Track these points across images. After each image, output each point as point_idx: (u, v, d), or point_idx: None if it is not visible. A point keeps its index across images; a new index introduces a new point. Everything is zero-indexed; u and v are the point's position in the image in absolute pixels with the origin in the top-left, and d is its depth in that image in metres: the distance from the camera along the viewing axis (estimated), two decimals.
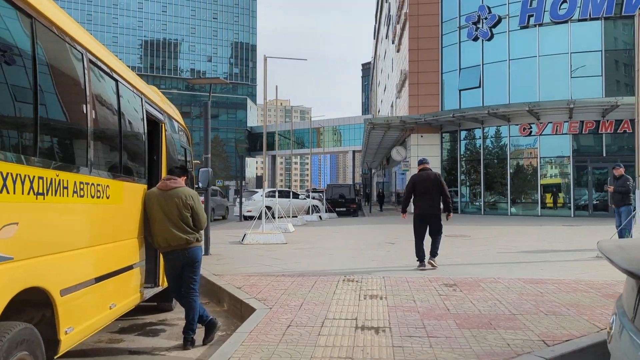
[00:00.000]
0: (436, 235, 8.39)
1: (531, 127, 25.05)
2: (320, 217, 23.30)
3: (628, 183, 11.00)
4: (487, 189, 27.19)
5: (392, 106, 42.65)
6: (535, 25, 24.77)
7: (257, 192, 25.62)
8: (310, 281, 7.16)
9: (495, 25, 25.82)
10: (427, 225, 8.36)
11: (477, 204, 27.39)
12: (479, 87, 26.53)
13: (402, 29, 32.14)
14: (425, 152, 28.38)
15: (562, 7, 24.07)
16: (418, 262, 8.28)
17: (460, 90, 27.43)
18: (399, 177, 40.05)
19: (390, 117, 28.07)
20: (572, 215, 23.86)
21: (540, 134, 24.88)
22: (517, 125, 25.34)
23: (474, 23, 26.39)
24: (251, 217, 18.47)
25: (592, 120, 23.81)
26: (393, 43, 39.47)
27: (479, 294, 6.20)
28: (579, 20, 23.95)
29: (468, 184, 28.16)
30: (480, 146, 27.08)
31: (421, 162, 8.63)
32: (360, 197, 48.47)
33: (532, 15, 24.68)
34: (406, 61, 29.67)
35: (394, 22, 37.85)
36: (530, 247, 11.44)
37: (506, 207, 25.99)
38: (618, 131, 23.67)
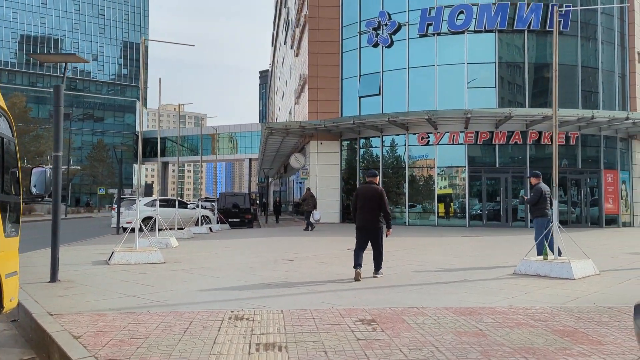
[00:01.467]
0: (376, 248, 8.47)
1: (429, 137, 24.91)
2: (210, 229, 21.13)
3: (542, 193, 10.32)
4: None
5: (290, 113, 41.38)
6: (433, 34, 24.73)
7: (140, 200, 22.86)
8: (185, 321, 5.30)
9: (395, 32, 25.46)
10: (367, 237, 8.43)
11: None
12: (379, 94, 26.00)
13: (302, 32, 31.01)
14: (325, 160, 27.39)
15: (459, 18, 24.24)
16: (354, 269, 8.18)
17: (360, 97, 26.73)
18: (297, 186, 38.81)
19: (289, 122, 26.70)
20: (467, 225, 23.95)
21: (438, 144, 24.81)
22: (416, 134, 25.09)
23: (374, 29, 25.86)
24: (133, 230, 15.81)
25: (486, 130, 24.14)
26: (292, 48, 38.29)
27: (406, 334, 4.74)
28: (475, 32, 24.26)
29: None
30: (379, 155, 26.52)
31: (371, 174, 8.73)
32: (257, 207, 46.58)
33: (430, 24, 24.61)
34: (305, 65, 28.51)
35: (293, 27, 36.71)
36: (442, 263, 10.41)
37: (403, 217, 25.60)
38: (510, 142, 24.21)
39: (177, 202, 19.21)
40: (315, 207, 22.02)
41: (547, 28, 24.13)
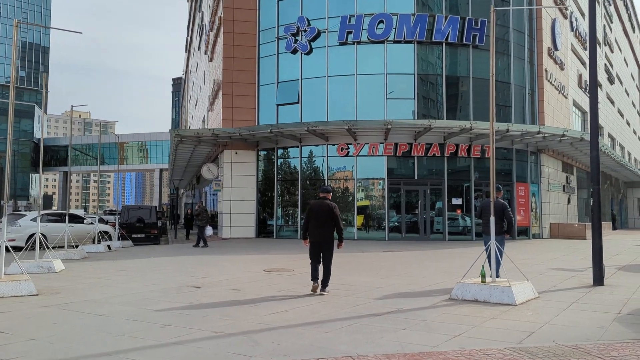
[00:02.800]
0: (326, 262, 8.67)
1: (349, 148, 24.16)
2: (109, 246, 18.81)
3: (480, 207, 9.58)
4: (304, 212, 25.53)
5: (203, 121, 39.29)
6: (354, 43, 24.09)
7: (25, 215, 20.03)
8: None
9: (314, 39, 24.55)
10: (320, 251, 8.64)
11: (293, 227, 25.56)
12: (298, 102, 24.92)
13: (216, 36, 29.32)
14: (240, 171, 25.82)
15: (379, 27, 23.79)
16: (312, 283, 8.52)
17: (278, 105, 25.49)
18: (210, 198, 36.75)
19: (201, 130, 24.83)
20: (387, 238, 23.37)
21: (357, 155, 24.12)
22: (335, 145, 24.24)
23: (293, 35, 24.80)
24: (16, 248, 13.26)
25: (405, 142, 23.79)
26: (206, 53, 36.42)
27: None
28: (395, 42, 23.92)
29: (282, 205, 26.24)
30: (297, 166, 25.38)
31: (325, 190, 8.92)
32: (166, 220, 43.73)
33: (350, 32, 23.96)
34: (220, 70, 26.84)
35: (207, 31, 34.90)
36: (370, 286, 9.33)
37: None
38: (428, 154, 24.02)
39: (67, 217, 16.75)
40: (207, 222, 20.52)
41: (464, 41, 24.33)
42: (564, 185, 32.02)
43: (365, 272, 11.41)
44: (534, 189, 27.52)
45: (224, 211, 25.51)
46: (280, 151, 26.02)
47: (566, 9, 32.84)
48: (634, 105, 64.96)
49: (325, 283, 8.56)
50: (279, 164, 26.05)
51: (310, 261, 8.61)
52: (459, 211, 24.84)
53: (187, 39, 69.61)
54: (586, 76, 39.04)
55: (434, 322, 6.17)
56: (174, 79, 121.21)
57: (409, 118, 23.75)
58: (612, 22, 50.59)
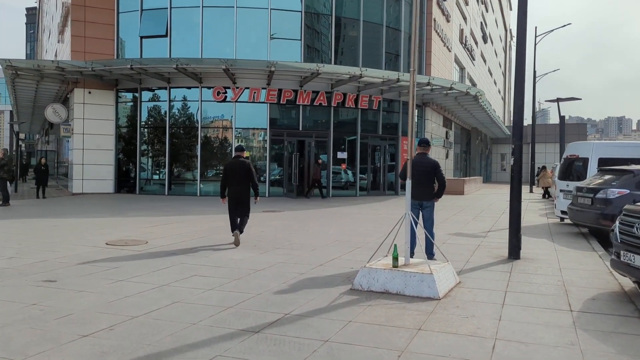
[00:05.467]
0: (243, 216, 9.30)
1: (226, 92, 21.24)
2: None
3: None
4: (174, 164, 22.42)
5: (56, 55, 33.38)
6: None
7: None
8: None
9: None
10: (239, 207, 9.21)
11: (160, 181, 22.37)
12: (166, 36, 21.21)
13: None
14: (95, 114, 21.82)
15: None
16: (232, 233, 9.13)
17: (142, 38, 21.55)
18: (67, 145, 31.64)
19: (41, 61, 20.20)
20: (267, 194, 21.20)
21: (236, 101, 21.33)
22: (211, 88, 21.18)
23: None
24: None
25: (290, 89, 21.45)
26: None
27: None
28: None
29: (148, 156, 22.81)
30: (166, 111, 21.95)
31: (239, 149, 9.41)
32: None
33: None
34: None
35: None
36: (244, 266, 7.07)
37: (195, 186, 21.78)
38: (314, 103, 21.96)
39: None
40: (13, 174, 17.04)
41: None
42: (444, 140, 32.08)
43: (243, 245, 9.13)
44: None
45: (75, 162, 21.49)
46: (145, 93, 22.30)
47: None
48: (500, 66, 68.58)
49: (241, 230, 9.20)
50: (143, 108, 22.37)
51: (229, 215, 9.26)
52: (343, 165, 23.36)
53: None
54: (467, 32, 39.30)
55: (339, 346, 4.07)
56: (27, 9, 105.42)
57: (295, 61, 21.33)
58: None
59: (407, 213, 6.32)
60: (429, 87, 22.79)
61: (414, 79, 6.62)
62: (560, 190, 13.65)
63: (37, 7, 70.40)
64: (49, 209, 15.89)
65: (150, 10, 21.45)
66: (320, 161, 21.84)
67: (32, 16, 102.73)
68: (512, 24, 75.50)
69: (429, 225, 7.60)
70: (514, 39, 76.33)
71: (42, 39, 63.54)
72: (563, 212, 13.04)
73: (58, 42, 28.62)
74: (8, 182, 17.37)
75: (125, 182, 22.51)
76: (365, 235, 10.54)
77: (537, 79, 34.65)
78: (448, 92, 24.20)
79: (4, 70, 20.15)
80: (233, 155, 9.50)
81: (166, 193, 21.69)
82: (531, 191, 29.77)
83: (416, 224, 6.79)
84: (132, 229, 11.16)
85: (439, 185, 7.72)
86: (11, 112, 73.72)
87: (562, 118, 28.24)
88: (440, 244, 8.95)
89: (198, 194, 21.43)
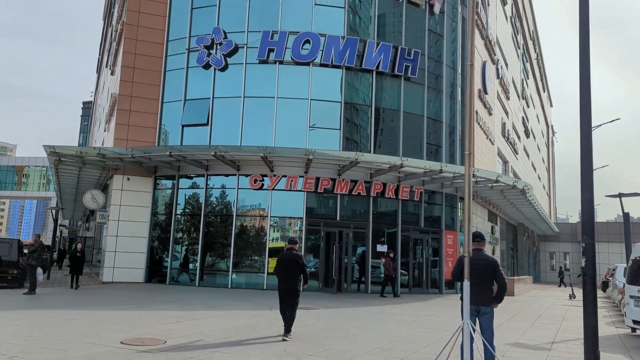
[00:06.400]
0: (291, 309, 9.51)
1: (264, 180, 20.86)
2: None
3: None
4: (208, 253, 21.70)
5: (102, 144, 34.53)
6: (275, 62, 21.15)
7: None
8: None
9: (231, 54, 21.35)
10: (288, 298, 9.49)
11: (193, 272, 21.56)
12: (207, 124, 21.38)
13: (118, 45, 25.42)
14: (132, 201, 21.66)
15: (304, 47, 21.10)
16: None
17: (183, 126, 21.80)
18: (105, 231, 31.61)
19: (85, 148, 20.52)
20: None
21: (273, 189, 20.85)
22: (249, 176, 20.87)
23: (207, 47, 21.48)
24: None
25: (328, 177, 20.91)
26: (107, 66, 32.19)
27: None
28: (321, 65, 21.27)
29: (181, 245, 22.22)
30: (202, 198, 21.62)
31: (292, 242, 10.02)
32: (45, 259, 37.63)
33: (272, 50, 21.05)
34: (118, 81, 22.87)
35: (112, 40, 30.84)
36: None
37: (227, 278, 20.81)
38: (353, 193, 21.25)
39: None
40: (40, 263, 16.52)
41: (396, 72, 22.22)
42: (489, 236, 30.50)
43: (268, 349, 7.97)
44: (462, 238, 25.43)
45: (108, 249, 21.05)
46: (183, 180, 22.18)
47: (494, 54, 32.30)
48: (543, 161, 67.31)
49: (288, 329, 9.39)
50: (180, 195, 22.14)
51: (279, 307, 9.57)
52: (383, 259, 22.06)
53: (98, 58, 64.23)
54: (509, 125, 38.83)
55: None
56: (84, 103, 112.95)
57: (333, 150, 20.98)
58: (528, 79, 51.94)
59: (465, 322, 5.16)
60: (473, 179, 21.83)
61: (469, 165, 5.76)
62: (631, 297, 12.01)
63: (92, 100, 75.02)
64: (72, 299, 15.16)
65: (193, 100, 21.85)
66: (391, 254, 20.75)
67: (87, 109, 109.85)
68: (553, 120, 75.15)
69: (488, 336, 6.32)
70: (556, 135, 75.22)
71: (93, 131, 67.12)
72: (635, 322, 11.40)
73: (104, 131, 29.58)
74: (40, 269, 16.91)
75: (156, 271, 21.80)
76: (411, 342, 9.22)
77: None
78: (493, 184, 23.17)
79: (48, 157, 20.51)
80: (285, 248, 10.19)
81: (197, 284, 20.77)
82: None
83: (491, 337, 5.59)
84: (154, 324, 10.18)
85: (499, 287, 6.56)
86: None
87: (626, 215, 26.22)
88: (500, 356, 7.56)
89: (229, 286, 20.41)
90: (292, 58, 21.05)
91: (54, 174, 24.77)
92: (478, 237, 6.94)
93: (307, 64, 21.18)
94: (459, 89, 25.78)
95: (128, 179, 21.55)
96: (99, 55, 63.56)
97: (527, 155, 50.78)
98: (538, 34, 57.12)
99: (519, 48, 44.97)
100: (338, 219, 21.35)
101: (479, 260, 6.62)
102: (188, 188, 22.31)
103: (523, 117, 47.81)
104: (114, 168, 21.67)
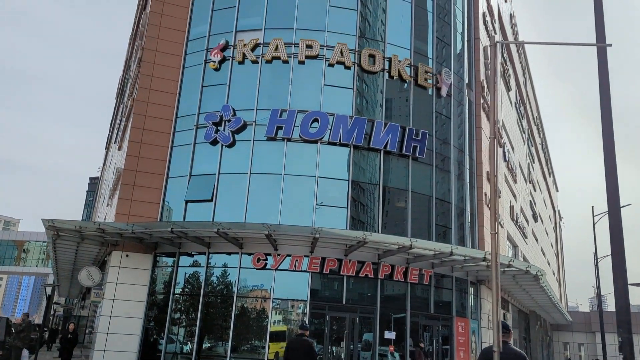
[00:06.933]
0: None
1: (267, 259, 20.10)
2: None
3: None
4: (206, 336, 20.48)
5: (105, 219, 34.04)
6: (283, 139, 21.07)
7: None
8: None
9: (239, 131, 21.33)
10: None
11: (188, 356, 20.22)
12: (212, 200, 20.94)
13: (127, 120, 25.64)
14: (130, 279, 20.78)
15: (313, 126, 21.11)
16: None
17: (187, 202, 21.37)
18: (99, 310, 30.31)
19: (83, 222, 19.94)
20: None
21: (277, 269, 20.02)
22: (252, 254, 20.13)
23: (215, 124, 21.52)
24: None
25: (334, 258, 20.15)
26: (115, 142, 32.45)
27: None
28: (329, 143, 21.17)
29: (178, 327, 21.04)
30: (202, 278, 20.73)
31: (302, 327, 9.74)
32: (35, 338, 36.02)
33: (281, 128, 21.05)
34: (124, 156, 22.78)
35: (122, 116, 31.29)
36: None
37: None
38: (359, 274, 20.38)
39: None
40: (28, 344, 15.46)
41: (404, 151, 22.07)
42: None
43: None
44: (474, 326, 24.14)
45: (100, 330, 19.89)
46: (183, 258, 21.42)
47: (501, 137, 32.43)
48: (552, 246, 66.08)
49: None
50: (179, 274, 21.27)
51: None
52: (391, 347, 20.71)
53: (108, 135, 65.51)
54: (517, 209, 38.29)
55: None
56: (91, 179, 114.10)
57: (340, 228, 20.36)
58: (534, 162, 52.21)
59: None
60: (484, 263, 21.01)
61: (496, 245, 5.14)
62: None
63: (99, 176, 75.65)
64: None
65: (199, 176, 21.59)
66: (422, 345, 19.56)
67: (94, 185, 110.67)
68: (560, 205, 74.93)
69: None
70: (563, 220, 74.38)
71: (97, 206, 67.00)
72: None
73: (107, 206, 29.21)
74: (26, 351, 15.85)
75: (151, 354, 20.43)
76: None
77: (599, 260, 32.25)
78: (505, 269, 22.23)
79: (46, 231, 19.95)
80: (296, 333, 10.39)
81: None
82: None
83: None
84: None
85: None
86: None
87: None
88: None
89: None
90: (300, 136, 21.01)
91: (51, 249, 24.07)
92: (504, 328, 6.20)
93: (315, 141, 21.10)
94: (467, 171, 25.53)
95: (127, 256, 20.80)
96: (109, 132, 64.88)
97: (536, 240, 49.79)
98: (542, 120, 58.17)
99: (524, 133, 45.48)
100: (344, 302, 20.32)
101: (507, 354, 5.85)
102: (188, 266, 21.50)
103: (531, 201, 47.40)
104: (113, 244, 21.00)
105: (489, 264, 21.15)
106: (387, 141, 21.75)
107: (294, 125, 21.07)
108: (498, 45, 7.68)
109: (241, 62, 22.19)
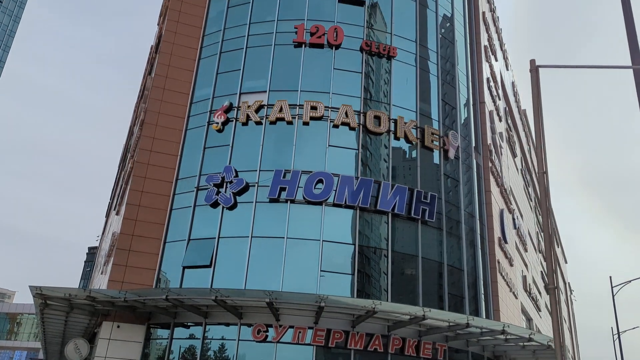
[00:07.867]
0: None
1: (268, 331, 18.60)
2: None
3: None
4: None
5: (99, 287, 32.51)
6: (286, 201, 20.23)
7: None
8: None
9: (241, 193, 20.51)
10: None
11: None
12: (210, 266, 19.76)
13: (126, 184, 24.91)
14: (120, 352, 19.23)
15: (317, 187, 20.31)
16: None
17: (184, 268, 20.17)
18: None
19: (72, 289, 18.58)
20: None
21: (278, 341, 18.47)
22: (252, 325, 18.66)
23: (216, 185, 20.76)
24: None
25: (340, 329, 18.65)
26: (114, 208, 31.59)
27: None
28: (334, 205, 20.28)
29: None
30: (198, 351, 19.14)
31: None
32: None
33: (284, 189, 20.25)
34: (121, 220, 21.85)
35: (122, 183, 30.61)
36: None
37: None
38: (368, 348, 18.78)
39: None
40: None
41: (412, 215, 21.11)
42: None
43: None
44: None
45: None
46: (178, 330, 19.90)
47: (510, 203, 31.54)
48: (565, 321, 63.25)
49: None
50: (174, 346, 19.68)
51: None
52: None
53: (109, 202, 64.76)
54: (529, 279, 36.69)
55: None
56: (89, 248, 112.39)
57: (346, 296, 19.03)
58: (542, 232, 50.87)
59: None
60: (502, 337, 19.41)
61: (556, 300, 4.14)
62: None
63: (97, 245, 74.13)
64: None
65: (197, 240, 20.54)
66: None
67: (92, 255, 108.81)
68: (570, 278, 72.90)
69: None
70: (574, 293, 71.87)
71: (93, 276, 65.16)
72: None
73: (101, 273, 27.89)
74: None
75: None
76: None
77: (621, 334, 30.31)
78: (525, 343, 20.54)
79: (34, 299, 18.67)
80: None
81: None
82: None
83: None
84: None
85: None
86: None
87: None
88: None
89: None
90: (304, 197, 20.16)
91: (39, 320, 22.57)
92: None
93: (320, 203, 20.23)
94: (479, 237, 24.41)
95: (118, 327, 19.33)
96: (110, 199, 64.23)
97: (550, 313, 47.57)
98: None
99: (531, 200, 44.64)
100: None
101: None
102: (184, 339, 19.94)
103: (541, 272, 45.73)
104: (104, 314, 19.59)
105: (508, 337, 19.60)
106: (395, 204, 20.86)
107: (298, 186, 20.28)
108: (533, 72, 6.94)
109: (245, 124, 21.79)
